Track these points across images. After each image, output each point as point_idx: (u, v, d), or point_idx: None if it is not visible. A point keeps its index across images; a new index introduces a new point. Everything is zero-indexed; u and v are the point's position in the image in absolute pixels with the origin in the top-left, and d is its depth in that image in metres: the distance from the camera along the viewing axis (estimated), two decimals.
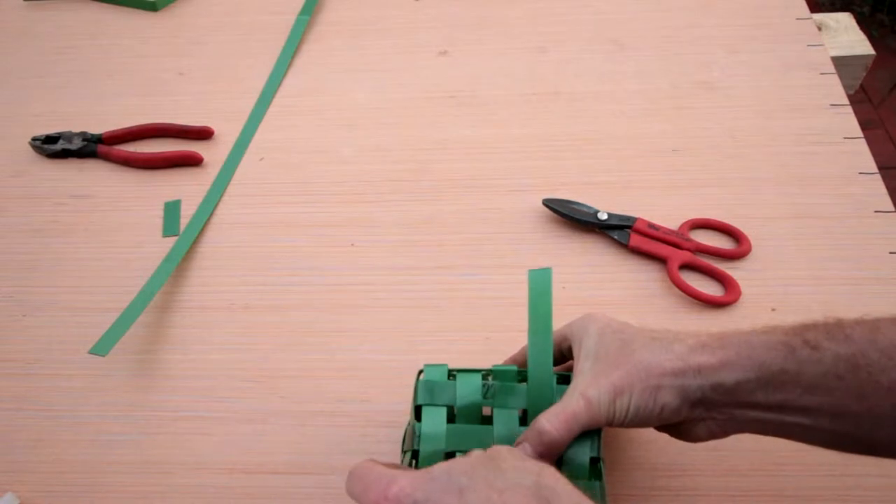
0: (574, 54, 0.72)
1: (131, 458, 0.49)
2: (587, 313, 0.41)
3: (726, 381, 0.35)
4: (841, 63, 0.70)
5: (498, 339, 0.52)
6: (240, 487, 0.47)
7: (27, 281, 0.59)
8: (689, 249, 0.55)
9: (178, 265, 0.58)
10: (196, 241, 0.60)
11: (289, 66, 0.74)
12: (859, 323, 0.34)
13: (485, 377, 0.41)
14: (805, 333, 0.35)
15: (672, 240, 0.56)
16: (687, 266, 0.55)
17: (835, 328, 0.34)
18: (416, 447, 0.39)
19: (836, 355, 0.33)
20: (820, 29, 0.73)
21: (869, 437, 0.34)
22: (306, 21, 0.77)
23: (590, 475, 0.37)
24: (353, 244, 0.59)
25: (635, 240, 0.56)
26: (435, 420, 0.39)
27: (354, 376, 0.51)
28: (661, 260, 0.56)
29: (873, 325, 0.34)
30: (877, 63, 0.76)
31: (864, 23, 1.54)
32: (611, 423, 0.37)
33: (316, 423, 0.49)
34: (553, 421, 0.36)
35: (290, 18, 0.78)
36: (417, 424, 0.39)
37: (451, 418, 0.40)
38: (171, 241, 0.60)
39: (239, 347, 0.53)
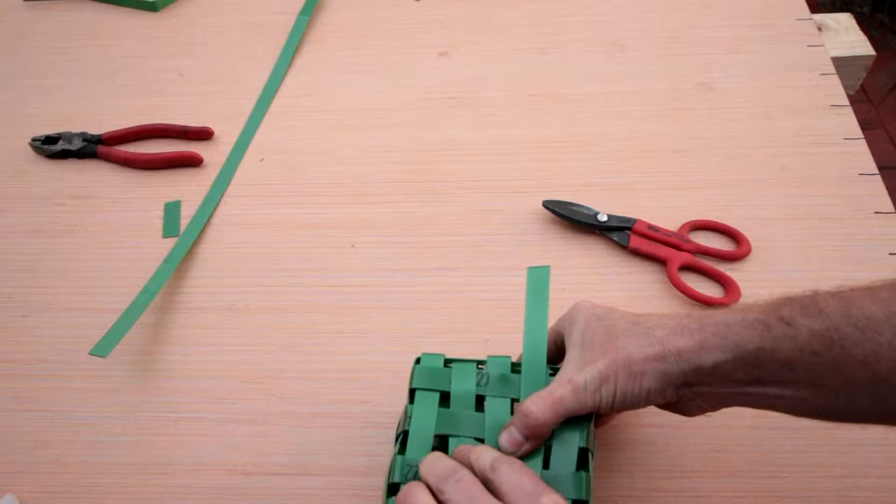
0: (574, 55, 0.72)
1: (131, 459, 0.49)
2: (574, 304, 0.41)
3: (705, 363, 0.36)
4: (841, 63, 0.70)
5: (497, 341, 0.52)
6: (240, 488, 0.47)
7: (27, 281, 0.59)
8: (688, 251, 0.55)
9: (178, 266, 0.58)
10: (196, 242, 0.60)
11: (289, 66, 0.74)
12: (834, 295, 0.34)
13: (479, 366, 0.41)
14: (780, 309, 0.35)
15: (672, 241, 0.56)
16: (687, 267, 0.55)
17: (809, 302, 0.34)
18: (406, 428, 0.40)
19: (811, 331, 0.34)
20: (820, 29, 0.73)
21: (848, 407, 0.35)
22: (306, 21, 0.77)
23: (577, 466, 0.37)
24: (353, 245, 0.59)
25: (635, 241, 0.56)
26: (428, 404, 0.40)
27: (354, 378, 0.51)
28: (660, 261, 0.56)
29: (847, 298, 0.34)
30: (877, 63, 0.76)
31: (864, 23, 1.53)
32: (598, 409, 0.38)
33: (316, 425, 0.49)
34: (538, 403, 0.37)
35: (290, 18, 0.78)
36: (410, 406, 0.40)
37: (445, 406, 0.40)
38: (172, 241, 0.60)
39: (239, 348, 0.53)
